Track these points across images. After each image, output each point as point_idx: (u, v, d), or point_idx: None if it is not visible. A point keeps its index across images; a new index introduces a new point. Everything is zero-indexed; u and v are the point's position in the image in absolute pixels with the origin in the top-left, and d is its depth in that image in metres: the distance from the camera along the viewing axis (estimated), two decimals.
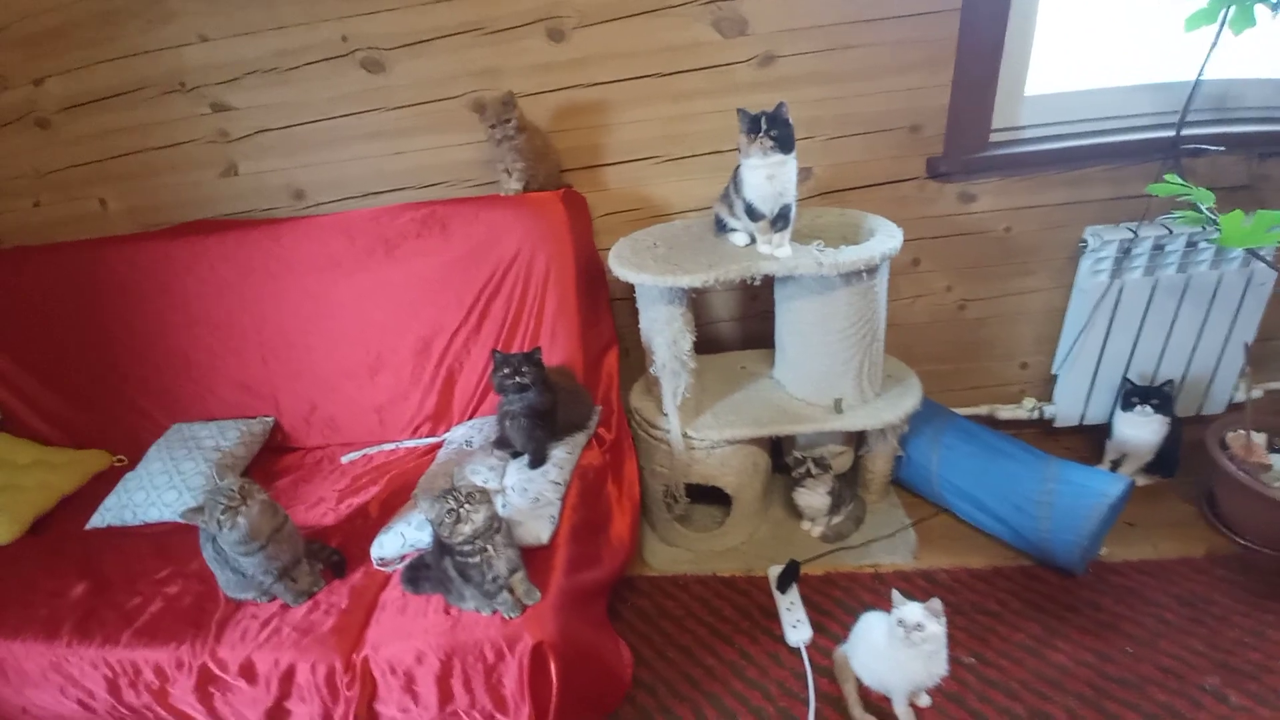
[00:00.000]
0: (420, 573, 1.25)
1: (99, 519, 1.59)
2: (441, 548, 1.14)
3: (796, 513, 1.77)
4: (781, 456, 1.83)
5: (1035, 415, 1.95)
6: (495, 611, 1.15)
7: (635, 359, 1.81)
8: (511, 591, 1.15)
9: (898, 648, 1.22)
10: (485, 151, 1.69)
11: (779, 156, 1.32)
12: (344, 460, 1.70)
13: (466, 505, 1.09)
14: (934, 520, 1.77)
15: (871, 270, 1.39)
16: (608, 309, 1.77)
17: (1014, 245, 1.78)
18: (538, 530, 1.25)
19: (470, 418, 1.69)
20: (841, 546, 1.70)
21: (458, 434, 1.63)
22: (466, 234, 1.59)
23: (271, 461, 1.75)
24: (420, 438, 1.72)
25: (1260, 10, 1.24)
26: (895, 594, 1.26)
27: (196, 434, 1.72)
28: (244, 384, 1.77)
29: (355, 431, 1.76)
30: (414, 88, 1.66)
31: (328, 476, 1.66)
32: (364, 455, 1.71)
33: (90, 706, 1.29)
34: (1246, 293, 1.69)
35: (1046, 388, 1.97)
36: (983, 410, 1.98)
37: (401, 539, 1.31)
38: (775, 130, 1.30)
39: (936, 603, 1.22)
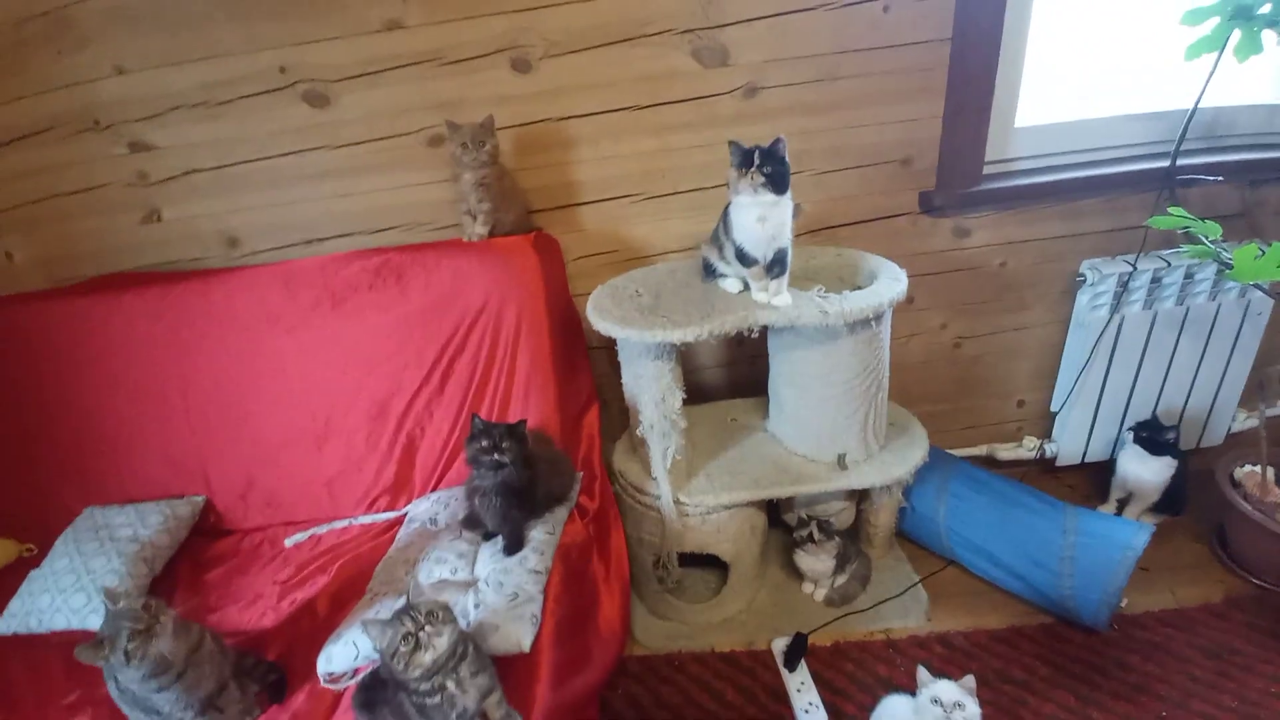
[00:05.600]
0: (376, 694, 1.04)
1: (4, 625, 1.34)
2: (395, 681, 0.94)
3: (797, 573, 1.63)
4: (776, 511, 1.69)
5: (1037, 455, 1.86)
6: None
7: (616, 411, 1.66)
8: (486, 717, 0.97)
9: None
10: (445, 192, 1.54)
11: (770, 196, 1.20)
12: (288, 544, 1.48)
13: (427, 628, 0.90)
14: (943, 575, 1.65)
15: (879, 317, 1.27)
16: (586, 362, 1.61)
17: (1009, 280, 1.71)
18: (518, 635, 1.06)
19: (434, 489, 1.50)
20: (849, 611, 1.56)
21: (421, 509, 1.44)
22: (426, 284, 1.42)
23: (201, 548, 1.51)
24: (377, 512, 1.52)
25: (1267, 36, 1.18)
26: (921, 670, 1.13)
27: (111, 521, 1.47)
28: (169, 458, 1.54)
29: (301, 509, 1.54)
30: (364, 122, 1.49)
31: (268, 565, 1.44)
32: (311, 536, 1.49)
33: None
34: (1244, 322, 1.64)
35: (1044, 425, 1.89)
36: (981, 451, 1.89)
37: (354, 649, 1.11)
38: (769, 167, 1.18)
39: (971, 680, 1.11)
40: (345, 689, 1.09)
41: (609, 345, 1.52)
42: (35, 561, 1.44)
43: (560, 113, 1.50)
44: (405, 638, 0.91)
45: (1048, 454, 1.86)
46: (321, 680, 1.11)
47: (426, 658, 0.91)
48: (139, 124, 1.51)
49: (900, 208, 1.61)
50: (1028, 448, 1.87)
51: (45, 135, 1.53)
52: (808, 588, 1.62)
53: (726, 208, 1.28)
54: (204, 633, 1.05)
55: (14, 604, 1.36)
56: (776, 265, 1.25)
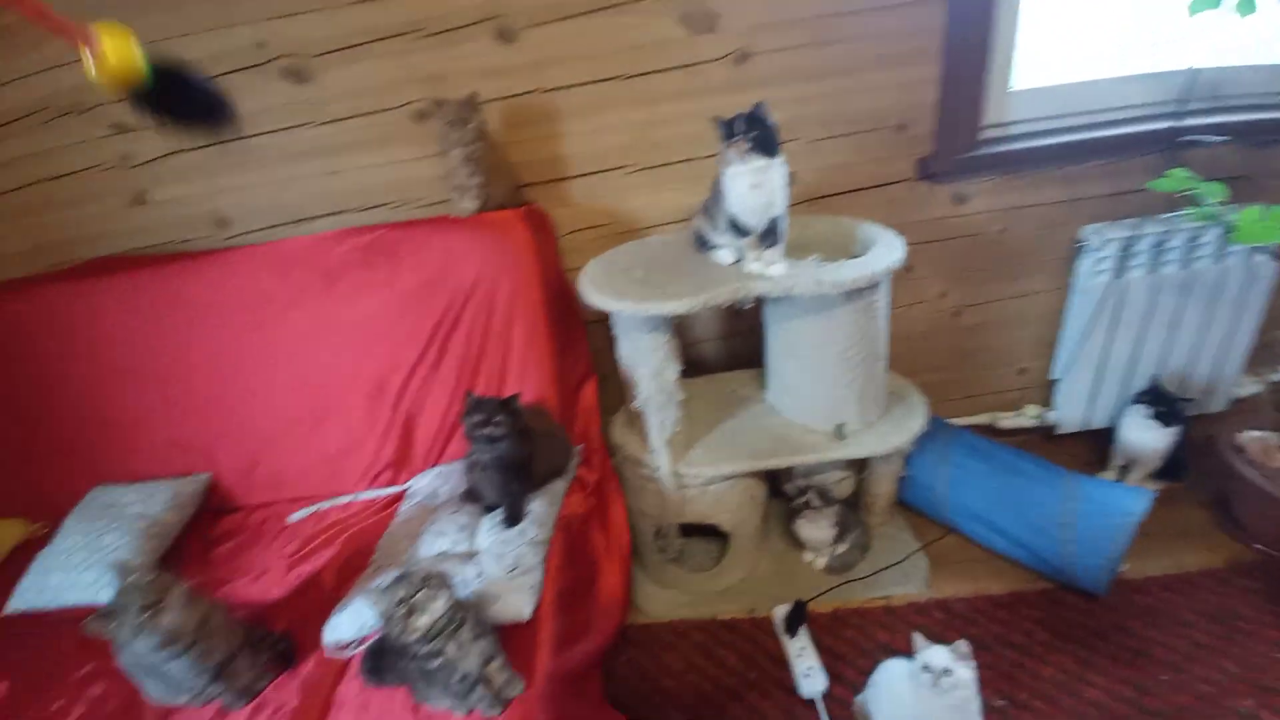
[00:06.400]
0: (382, 660, 1.07)
1: (16, 603, 1.36)
2: (399, 645, 0.96)
3: (798, 542, 1.64)
4: (777, 481, 1.70)
5: (1038, 423, 1.85)
6: (472, 710, 0.98)
7: (614, 386, 1.65)
8: (489, 683, 0.98)
9: (924, 698, 1.11)
10: (435, 168, 1.51)
11: (761, 160, 1.18)
12: (291, 520, 1.50)
13: (421, 594, 0.92)
14: (943, 543, 1.66)
15: (875, 286, 1.26)
16: (582, 336, 1.61)
17: (1010, 247, 1.68)
18: (518, 605, 1.08)
19: (436, 463, 1.51)
20: (849, 579, 1.57)
21: (422, 484, 1.45)
22: (418, 261, 1.41)
23: (209, 525, 1.54)
24: (379, 488, 1.53)
25: None
26: (916, 636, 1.14)
27: (119, 499, 1.49)
28: (174, 439, 1.55)
29: (304, 485, 1.56)
30: (348, 98, 1.47)
31: (274, 540, 1.46)
32: (315, 512, 1.51)
33: None
34: (1249, 286, 1.62)
35: (1045, 393, 1.88)
36: (982, 419, 1.88)
37: (359, 619, 1.13)
38: (754, 131, 1.16)
39: (963, 644, 1.11)
40: (352, 657, 1.11)
41: (605, 319, 1.51)
42: (46, 541, 1.47)
43: (547, 84, 1.47)
44: (400, 603, 0.93)
45: (1048, 422, 1.85)
46: (328, 649, 1.14)
47: (422, 621, 0.93)
48: (119, 105, 1.48)
49: (897, 175, 1.58)
50: (1029, 416, 1.86)
51: (27, 121, 1.51)
52: (808, 556, 1.64)
53: (718, 178, 1.26)
54: (214, 605, 1.07)
55: (25, 582, 1.38)
56: (771, 234, 1.23)
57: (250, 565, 1.39)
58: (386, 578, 0.98)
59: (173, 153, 1.53)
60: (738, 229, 1.24)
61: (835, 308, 1.29)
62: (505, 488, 1.23)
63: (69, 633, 1.27)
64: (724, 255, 1.33)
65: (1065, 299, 1.74)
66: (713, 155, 1.43)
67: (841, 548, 1.60)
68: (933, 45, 1.46)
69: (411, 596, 0.92)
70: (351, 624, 1.14)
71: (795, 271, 1.24)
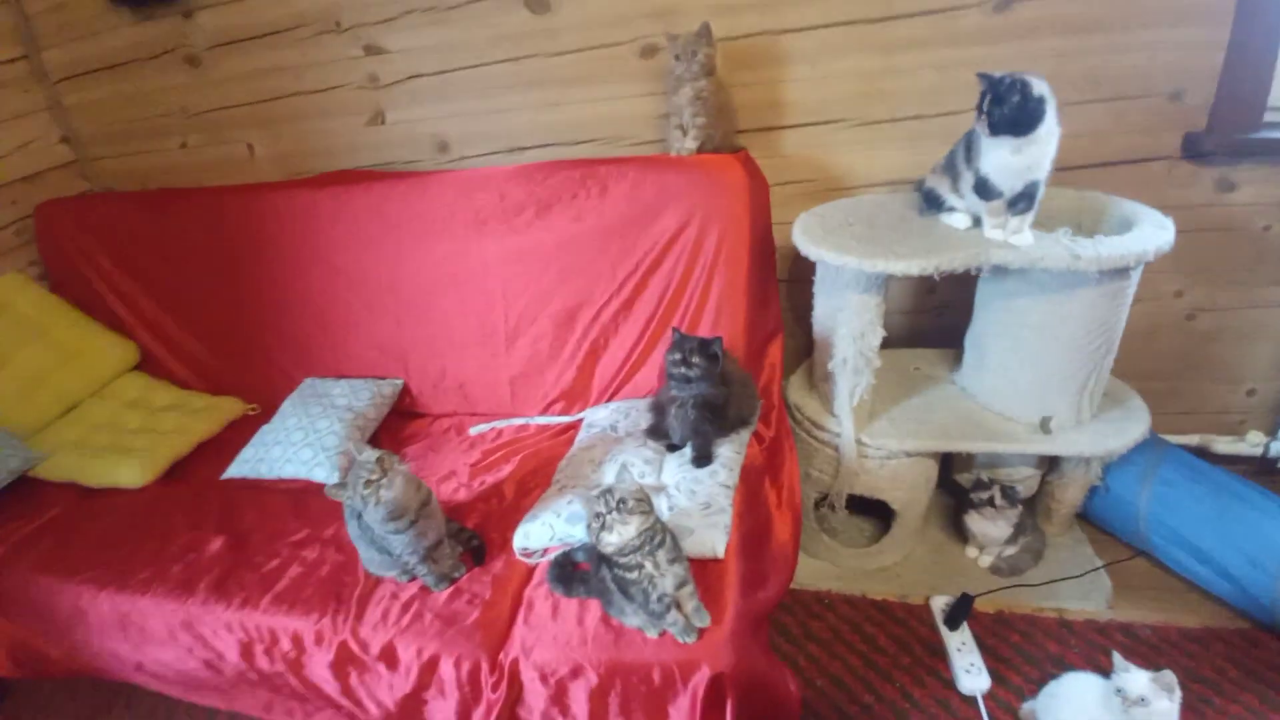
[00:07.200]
0: (570, 572, 1.13)
1: (236, 469, 1.55)
2: (599, 555, 1.01)
3: (961, 536, 1.56)
4: (949, 468, 1.61)
5: (1260, 452, 1.64)
6: (663, 632, 1.01)
7: (789, 347, 1.62)
8: (679, 608, 1.01)
9: None
10: (649, 106, 1.52)
11: (1010, 140, 1.08)
12: (472, 432, 1.61)
13: (615, 513, 0.94)
14: (1130, 564, 1.52)
15: (1134, 269, 1.13)
16: (776, 292, 1.57)
17: (1272, 247, 1.47)
18: (712, 541, 1.10)
19: (610, 399, 1.56)
20: (1019, 583, 1.48)
21: (599, 416, 1.50)
22: (630, 197, 1.42)
23: (399, 426, 1.68)
24: (552, 415, 1.60)
25: None
26: (1116, 656, 1.06)
27: (329, 391, 1.66)
28: (376, 343, 1.70)
29: (485, 402, 1.66)
30: (580, 30, 1.49)
31: (456, 448, 1.57)
32: (493, 429, 1.61)
33: (217, 667, 1.23)
34: None
35: (1272, 419, 1.65)
36: (1193, 440, 1.68)
37: (550, 531, 1.20)
38: (996, 111, 1.06)
39: (1169, 675, 1.03)
40: (537, 564, 1.18)
41: (789, 280, 1.47)
42: (259, 420, 1.65)
43: (779, 25, 1.42)
44: (597, 516, 0.97)
45: (1273, 453, 1.63)
46: (516, 554, 1.21)
47: (612, 538, 0.96)
48: (375, 27, 1.59)
49: (1158, 150, 1.40)
50: (1251, 443, 1.64)
51: (289, 34, 1.64)
52: (972, 552, 1.55)
53: (971, 131, 1.17)
54: (431, 493, 1.16)
55: (246, 451, 1.56)
56: (1023, 200, 1.14)
57: (437, 467, 1.50)
58: (581, 497, 1.01)
59: (412, 76, 1.62)
60: (985, 191, 1.15)
61: (1078, 288, 1.17)
62: (697, 428, 1.24)
63: (284, 501, 1.44)
64: (957, 219, 1.25)
65: None
66: (945, 114, 1.34)
67: (1012, 549, 1.51)
68: (1225, 2, 1.27)
69: (608, 514, 0.95)
70: (540, 534, 1.20)
71: (1043, 243, 1.14)
